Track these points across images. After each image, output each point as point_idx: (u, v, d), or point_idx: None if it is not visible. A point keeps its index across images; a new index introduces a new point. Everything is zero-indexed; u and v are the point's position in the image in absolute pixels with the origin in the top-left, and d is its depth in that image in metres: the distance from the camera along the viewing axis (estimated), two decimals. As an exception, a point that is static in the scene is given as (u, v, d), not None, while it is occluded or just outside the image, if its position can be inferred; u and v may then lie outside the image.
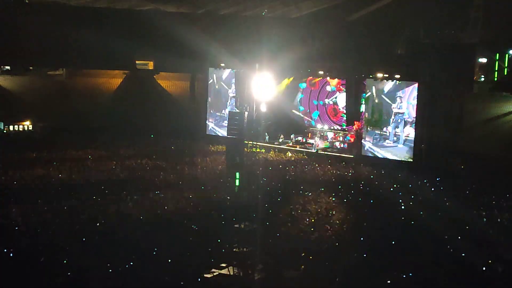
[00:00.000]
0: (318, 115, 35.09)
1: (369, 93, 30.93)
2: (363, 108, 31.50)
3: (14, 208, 20.11)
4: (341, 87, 33.73)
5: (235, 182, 24.44)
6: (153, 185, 24.39)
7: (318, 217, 20.62)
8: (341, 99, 33.83)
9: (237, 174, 24.70)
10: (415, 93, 29.48)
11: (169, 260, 16.03)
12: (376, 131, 30.75)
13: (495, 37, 48.53)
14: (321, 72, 33.42)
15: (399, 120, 30.04)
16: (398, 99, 30.03)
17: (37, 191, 22.67)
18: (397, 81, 30.03)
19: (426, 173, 27.44)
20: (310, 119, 35.44)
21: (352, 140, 33.06)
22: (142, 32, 41.51)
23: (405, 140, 29.77)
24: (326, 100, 34.79)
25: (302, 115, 35.68)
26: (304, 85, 35.48)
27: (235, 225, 19.62)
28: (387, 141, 30.46)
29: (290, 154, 32.51)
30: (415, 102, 29.51)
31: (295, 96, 35.85)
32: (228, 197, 22.74)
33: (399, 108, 30.00)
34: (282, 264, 16.34)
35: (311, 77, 34.88)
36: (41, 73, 44.28)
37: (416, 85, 29.45)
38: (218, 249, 17.19)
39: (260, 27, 41.20)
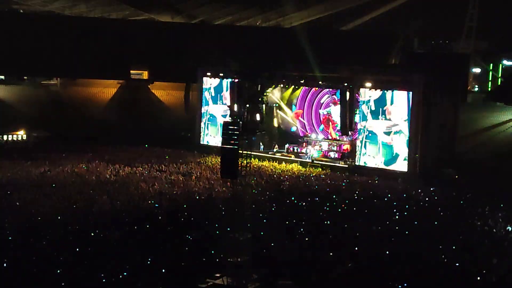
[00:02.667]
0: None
1: (363, 103, 30.93)
2: (357, 118, 31.49)
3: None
4: (336, 99, 33.79)
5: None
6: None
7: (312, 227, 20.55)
8: (335, 110, 33.89)
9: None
10: (408, 102, 29.49)
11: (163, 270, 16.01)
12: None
13: (489, 47, 48.83)
14: (315, 82, 33.44)
15: (391, 132, 29.95)
16: (391, 109, 30.00)
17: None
18: (391, 91, 30.01)
19: (420, 182, 27.43)
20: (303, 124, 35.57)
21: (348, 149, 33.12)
22: (137, 41, 41.58)
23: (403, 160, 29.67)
24: (320, 111, 34.84)
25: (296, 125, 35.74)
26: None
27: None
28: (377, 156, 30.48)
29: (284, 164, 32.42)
30: (406, 113, 29.51)
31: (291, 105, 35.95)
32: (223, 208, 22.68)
33: (393, 119, 29.95)
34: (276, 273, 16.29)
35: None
36: (35, 83, 44.28)
37: (410, 94, 29.45)
38: (212, 259, 17.13)
39: (255, 37, 41.36)
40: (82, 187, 25.28)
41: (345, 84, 31.34)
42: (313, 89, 34.97)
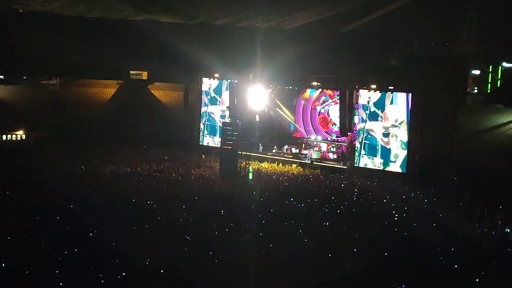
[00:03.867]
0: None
1: (362, 104, 30.96)
2: (356, 119, 31.51)
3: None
4: (335, 98, 33.77)
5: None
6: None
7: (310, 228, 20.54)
8: (334, 110, 33.85)
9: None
10: (407, 103, 29.51)
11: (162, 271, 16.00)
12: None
13: (488, 49, 48.84)
14: (314, 83, 33.45)
15: (388, 133, 29.98)
16: (390, 110, 30.02)
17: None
18: (391, 93, 30.04)
19: (419, 184, 27.43)
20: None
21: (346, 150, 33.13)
22: (136, 42, 41.54)
23: (402, 162, 29.68)
24: (319, 108, 34.78)
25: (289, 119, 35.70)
26: None
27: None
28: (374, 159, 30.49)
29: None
30: (406, 114, 29.54)
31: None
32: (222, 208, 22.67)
33: (392, 121, 29.97)
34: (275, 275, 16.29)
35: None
36: (35, 83, 44.19)
37: (409, 95, 29.46)
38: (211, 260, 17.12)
39: (254, 38, 41.31)
40: (80, 187, 25.27)
41: (345, 85, 31.35)
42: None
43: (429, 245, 19.03)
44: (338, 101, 32.30)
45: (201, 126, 36.57)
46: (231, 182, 27.35)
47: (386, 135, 30.12)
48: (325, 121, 34.66)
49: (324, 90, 34.28)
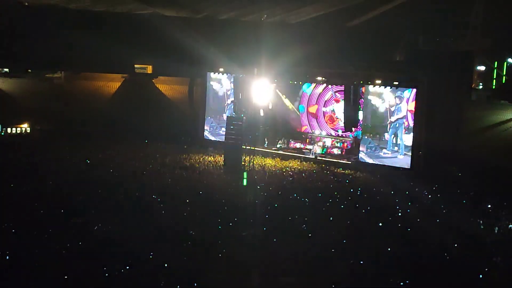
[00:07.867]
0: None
1: (367, 99, 30.94)
2: (361, 114, 31.48)
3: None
4: (338, 97, 33.73)
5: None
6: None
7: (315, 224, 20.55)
8: (338, 108, 33.80)
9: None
10: (413, 97, 29.52)
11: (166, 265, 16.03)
12: (372, 139, 30.76)
13: (493, 45, 48.62)
14: (319, 78, 33.40)
15: (397, 125, 30.03)
16: (397, 99, 30.02)
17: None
18: (396, 88, 30.04)
19: (423, 180, 27.40)
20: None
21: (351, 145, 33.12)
22: (141, 36, 41.53)
23: (407, 152, 29.66)
24: (324, 109, 34.76)
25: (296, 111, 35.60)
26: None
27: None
28: (384, 150, 30.44)
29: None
30: (413, 105, 29.55)
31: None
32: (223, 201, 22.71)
33: (398, 111, 29.97)
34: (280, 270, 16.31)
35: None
36: (40, 76, 44.24)
37: (414, 90, 29.45)
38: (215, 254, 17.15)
39: (260, 32, 41.24)
40: (84, 181, 25.32)
41: (349, 80, 31.32)
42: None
43: (432, 240, 19.04)
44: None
45: (206, 119, 36.46)
46: (235, 176, 27.35)
47: (391, 130, 30.13)
48: (332, 119, 34.59)
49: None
